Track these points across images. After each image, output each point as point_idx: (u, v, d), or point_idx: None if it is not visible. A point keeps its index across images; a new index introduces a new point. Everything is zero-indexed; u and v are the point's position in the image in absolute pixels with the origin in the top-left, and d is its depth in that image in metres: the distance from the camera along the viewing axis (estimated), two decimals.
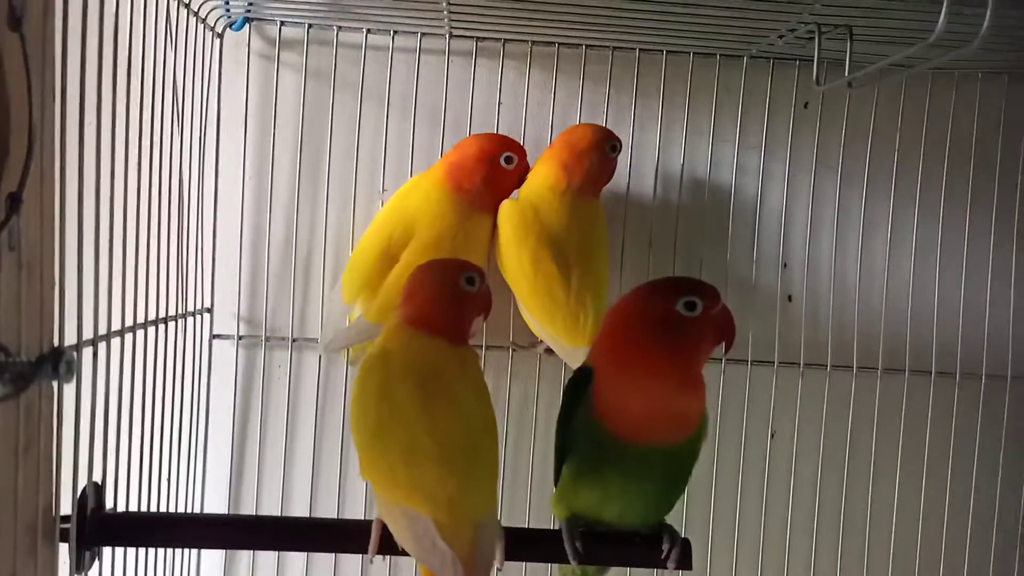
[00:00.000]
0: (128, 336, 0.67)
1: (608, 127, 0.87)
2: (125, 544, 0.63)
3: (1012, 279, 0.93)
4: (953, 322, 0.92)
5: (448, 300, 0.64)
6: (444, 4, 0.78)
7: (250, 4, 0.83)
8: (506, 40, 0.89)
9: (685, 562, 0.63)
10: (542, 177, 0.84)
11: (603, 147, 0.83)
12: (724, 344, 0.62)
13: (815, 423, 0.92)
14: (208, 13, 0.83)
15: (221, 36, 0.87)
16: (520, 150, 0.85)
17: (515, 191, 0.86)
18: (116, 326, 0.63)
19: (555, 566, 0.83)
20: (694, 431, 0.62)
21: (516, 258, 0.82)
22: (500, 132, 0.89)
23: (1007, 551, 0.93)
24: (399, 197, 0.84)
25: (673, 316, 0.59)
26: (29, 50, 0.48)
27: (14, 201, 0.46)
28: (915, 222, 0.92)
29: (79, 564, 0.56)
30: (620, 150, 0.85)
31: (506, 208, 0.83)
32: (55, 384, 0.51)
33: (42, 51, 0.50)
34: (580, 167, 0.83)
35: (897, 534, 0.92)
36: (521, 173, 0.85)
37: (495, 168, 0.83)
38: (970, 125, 0.92)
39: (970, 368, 0.92)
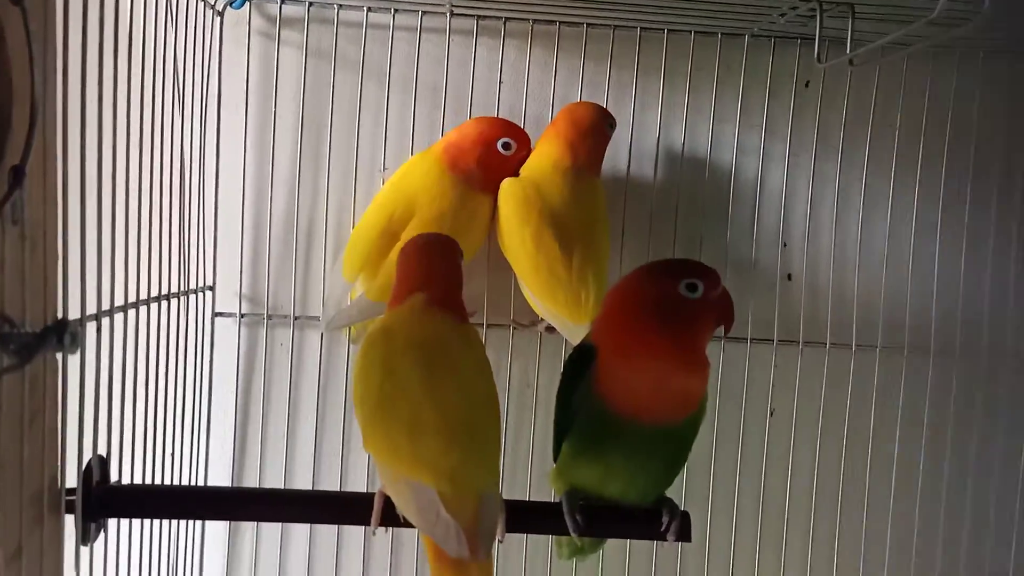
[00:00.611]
0: (131, 312, 0.68)
1: (608, 106, 0.87)
2: (130, 516, 0.63)
3: (1013, 257, 0.93)
4: (953, 300, 0.92)
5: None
6: None
7: None
8: (507, 18, 0.89)
9: (684, 535, 0.64)
10: (544, 155, 0.84)
11: (603, 125, 0.84)
12: (723, 326, 0.63)
13: (814, 401, 0.92)
14: None
15: (221, 14, 0.87)
16: (521, 137, 0.85)
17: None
18: (119, 302, 0.64)
19: (553, 540, 0.84)
20: (695, 411, 0.63)
21: (518, 236, 0.82)
22: (501, 111, 0.89)
23: (1005, 528, 0.93)
24: (399, 176, 0.85)
25: (674, 297, 0.60)
26: (31, 24, 0.48)
27: (17, 174, 0.46)
28: (915, 200, 0.92)
29: (84, 535, 0.56)
30: (615, 127, 0.86)
31: (507, 186, 0.83)
32: (59, 357, 0.51)
33: (44, 25, 0.50)
34: (584, 145, 0.83)
35: (895, 510, 0.93)
36: (521, 159, 0.85)
37: (491, 152, 0.83)
38: (971, 104, 0.92)
39: (969, 346, 0.92)
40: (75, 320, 0.52)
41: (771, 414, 0.93)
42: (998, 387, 0.92)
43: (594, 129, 0.83)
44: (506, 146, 0.84)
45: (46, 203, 0.51)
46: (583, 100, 0.89)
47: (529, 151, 0.86)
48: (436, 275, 0.65)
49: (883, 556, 0.93)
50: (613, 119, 0.85)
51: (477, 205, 0.84)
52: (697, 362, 0.61)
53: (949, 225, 0.92)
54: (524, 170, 0.85)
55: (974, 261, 0.92)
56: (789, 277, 0.93)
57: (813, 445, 0.92)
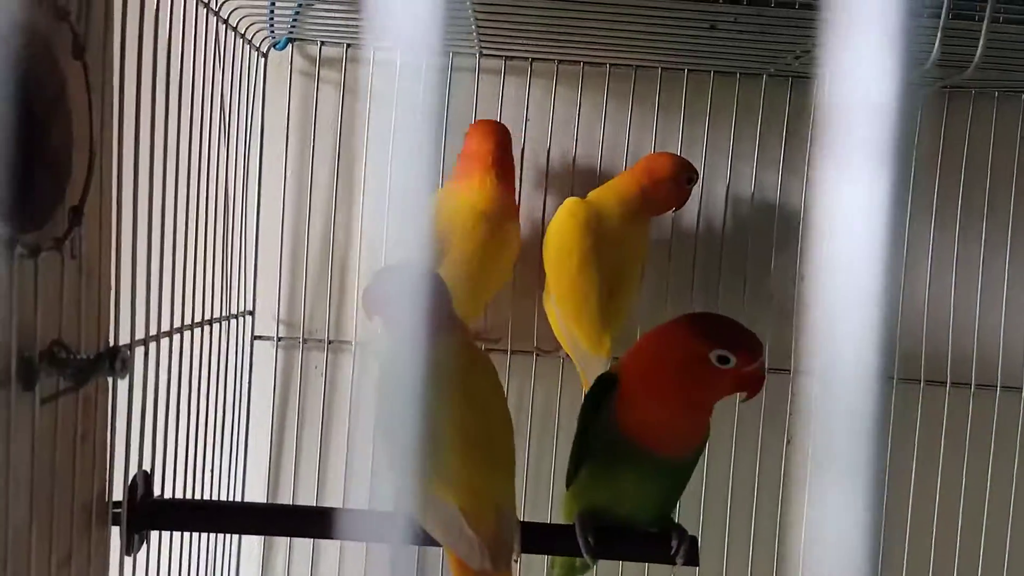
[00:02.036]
0: (176, 336, 0.72)
1: (630, 143, 0.91)
2: (171, 528, 0.67)
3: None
4: (969, 333, 0.94)
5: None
6: (473, 25, 0.82)
7: (293, 26, 0.88)
8: (533, 59, 0.93)
9: (692, 558, 0.66)
10: (615, 189, 0.87)
11: (681, 178, 0.87)
12: (746, 393, 0.65)
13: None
14: (254, 35, 0.88)
15: (266, 55, 0.93)
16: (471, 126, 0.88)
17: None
18: (166, 327, 0.69)
19: (548, 560, 0.86)
20: (699, 445, 0.67)
21: (566, 253, 0.85)
22: (527, 147, 0.93)
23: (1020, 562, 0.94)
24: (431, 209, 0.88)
25: (703, 364, 0.62)
26: (91, 76, 0.53)
27: (76, 214, 0.51)
28: (931, 234, 0.94)
29: (128, 546, 0.61)
30: (696, 181, 0.88)
31: (572, 204, 0.86)
32: (111, 380, 0.56)
33: (102, 76, 0.55)
34: (653, 192, 0.87)
35: (911, 540, 0.94)
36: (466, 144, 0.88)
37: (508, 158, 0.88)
38: (987, 140, 0.94)
39: (985, 379, 0.94)
40: (125, 346, 0.57)
41: (788, 443, 0.95)
42: (1014, 420, 0.93)
43: (669, 179, 0.87)
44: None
45: (101, 238, 0.56)
46: (629, 141, 0.94)
47: (475, 135, 0.87)
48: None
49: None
50: (694, 173, 0.88)
51: (508, 232, 0.87)
52: (701, 415, 0.65)
53: (964, 258, 0.94)
54: (594, 197, 0.88)
55: (990, 294, 0.94)
56: None
57: None
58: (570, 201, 0.87)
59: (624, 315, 0.85)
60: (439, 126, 0.85)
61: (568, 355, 0.93)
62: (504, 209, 0.87)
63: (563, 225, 0.86)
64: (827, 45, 0.28)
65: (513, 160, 0.88)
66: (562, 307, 0.86)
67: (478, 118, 0.93)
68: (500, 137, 0.87)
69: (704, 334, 0.63)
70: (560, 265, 0.85)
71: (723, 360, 0.62)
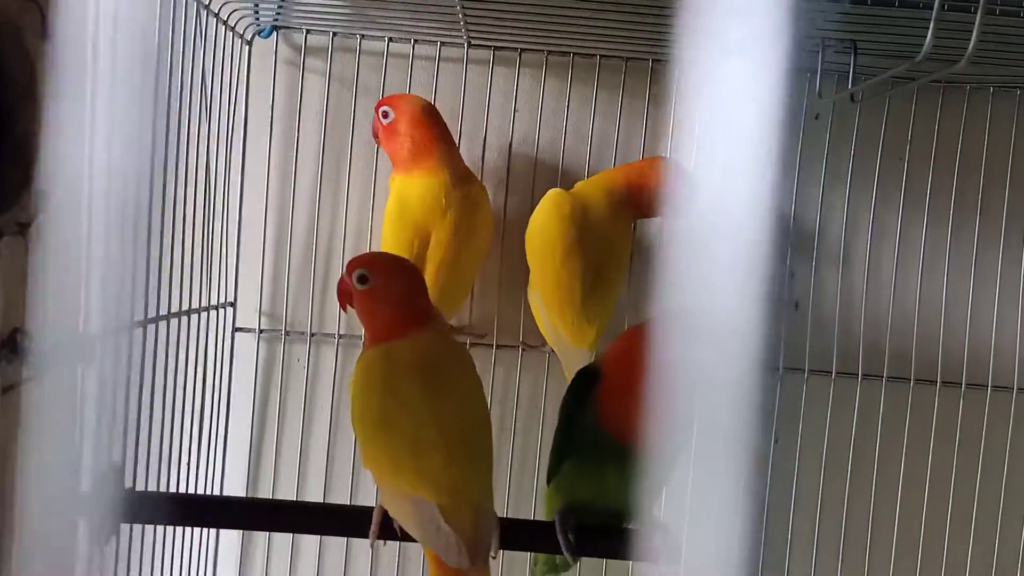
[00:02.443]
0: (152, 326, 0.71)
1: (619, 134, 0.90)
2: (143, 521, 0.66)
3: (1021, 289, 0.93)
4: (960, 332, 0.93)
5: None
6: (460, 15, 0.81)
7: (278, 13, 0.87)
8: (522, 50, 0.92)
9: (675, 556, 0.65)
10: (603, 184, 0.86)
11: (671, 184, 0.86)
12: None
13: (819, 430, 0.93)
14: (237, 22, 0.87)
15: (250, 43, 0.91)
16: (398, 105, 0.85)
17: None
18: (142, 316, 0.67)
19: (529, 557, 0.85)
20: None
21: (550, 245, 0.84)
22: (515, 137, 0.92)
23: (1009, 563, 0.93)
24: (398, 205, 0.85)
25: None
26: (63, 57, 0.51)
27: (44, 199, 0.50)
28: (923, 231, 0.93)
29: (96, 539, 0.59)
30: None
31: (556, 195, 0.85)
32: (79, 369, 0.55)
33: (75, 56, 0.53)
34: (642, 193, 0.85)
35: (899, 541, 0.93)
36: (403, 131, 0.85)
37: (379, 126, 0.86)
38: (981, 137, 0.92)
39: (975, 378, 0.93)
40: (93, 335, 0.56)
41: (775, 442, 0.94)
42: (1004, 420, 0.92)
43: (660, 187, 0.85)
44: (384, 115, 0.85)
45: (72, 223, 0.54)
46: (623, 139, 0.93)
47: (412, 120, 0.84)
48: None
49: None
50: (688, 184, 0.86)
51: (477, 198, 0.86)
52: None
53: (957, 256, 0.93)
54: (580, 189, 0.86)
55: (982, 292, 0.93)
56: (796, 306, 0.94)
57: (817, 474, 0.93)
58: (554, 192, 0.85)
59: (609, 309, 0.84)
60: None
61: (553, 349, 0.92)
62: (464, 178, 0.85)
63: (547, 216, 0.84)
64: None
65: (448, 129, 0.86)
66: (545, 299, 0.84)
67: (466, 109, 0.92)
68: (433, 114, 0.85)
69: None
70: (543, 257, 0.84)
71: None
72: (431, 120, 0.85)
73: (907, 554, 0.93)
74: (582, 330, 0.82)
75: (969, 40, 0.64)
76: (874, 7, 0.71)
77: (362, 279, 0.65)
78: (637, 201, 0.85)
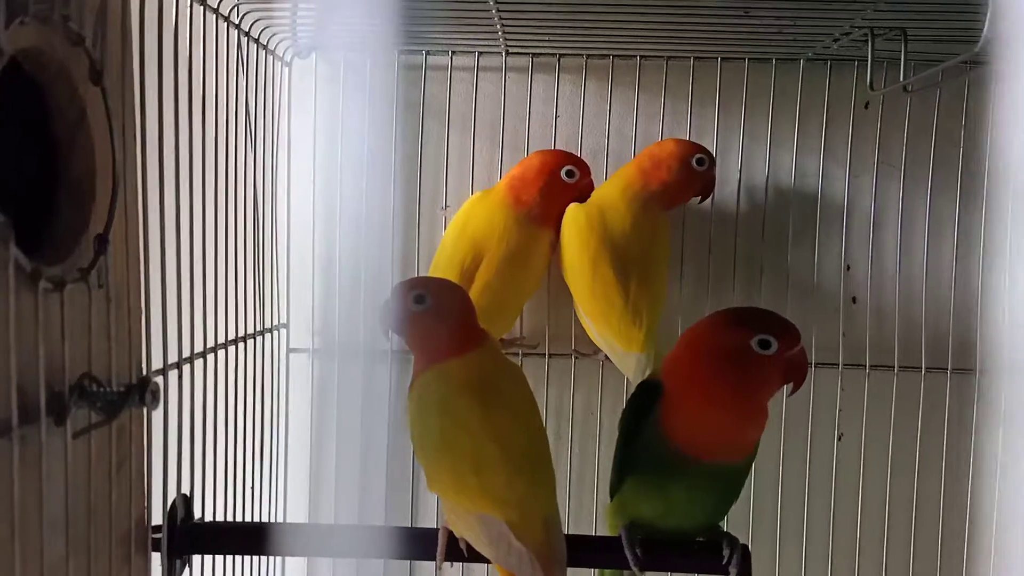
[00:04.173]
0: (211, 356, 0.72)
1: (663, 135, 0.89)
2: (213, 552, 0.67)
3: None
4: (1021, 320, 0.90)
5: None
6: (498, 24, 0.80)
7: (315, 34, 0.87)
8: (561, 55, 0.91)
9: (745, 567, 0.64)
10: (616, 182, 0.86)
11: (686, 159, 0.84)
12: (792, 385, 0.63)
13: (883, 425, 0.91)
14: (276, 45, 0.87)
15: (290, 65, 0.91)
16: (583, 166, 0.86)
17: None
18: (200, 347, 0.68)
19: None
20: (751, 450, 0.65)
21: (577, 259, 0.84)
22: (557, 144, 0.91)
23: None
24: (463, 219, 0.87)
25: (745, 351, 0.60)
26: (110, 100, 0.52)
27: (101, 242, 0.50)
28: (983, 220, 0.90)
29: (171, 572, 0.60)
30: (709, 164, 0.85)
31: (572, 210, 0.85)
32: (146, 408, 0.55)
33: (121, 100, 0.54)
34: (656, 175, 0.84)
35: (970, 537, 0.91)
36: (583, 189, 0.86)
37: (555, 181, 0.85)
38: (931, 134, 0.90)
39: (936, 362, 0.91)
40: (156, 371, 0.56)
41: (839, 439, 0.92)
42: None
43: (671, 160, 0.84)
44: (570, 174, 0.85)
45: (128, 264, 0.55)
46: (641, 131, 0.91)
47: (590, 180, 0.87)
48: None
49: None
50: (704, 154, 0.85)
51: (540, 240, 0.86)
52: (757, 412, 0.62)
53: (1017, 245, 0.90)
54: (595, 196, 0.86)
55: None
56: (854, 300, 0.92)
57: (884, 471, 0.91)
58: (570, 207, 0.85)
59: (655, 307, 0.83)
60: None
61: (608, 359, 0.91)
62: (540, 216, 0.85)
63: (567, 233, 0.85)
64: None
65: (565, 184, 0.86)
66: (588, 312, 0.84)
67: (507, 118, 0.91)
68: (549, 163, 0.86)
69: (742, 323, 0.62)
70: (574, 272, 0.84)
71: (765, 345, 0.60)
72: (542, 167, 0.85)
73: (981, 551, 0.90)
74: (630, 334, 0.82)
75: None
76: None
77: (419, 299, 0.65)
78: (657, 190, 0.84)
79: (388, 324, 0.66)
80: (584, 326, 0.87)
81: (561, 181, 0.85)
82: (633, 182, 0.85)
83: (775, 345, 0.60)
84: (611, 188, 0.86)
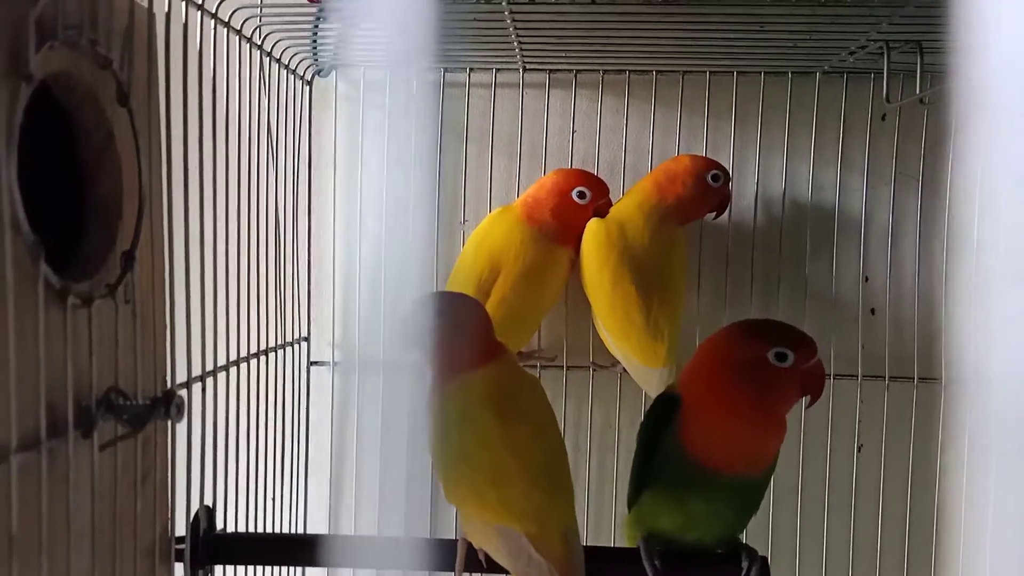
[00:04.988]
0: (233, 369, 0.73)
1: (680, 149, 0.89)
2: (235, 562, 0.68)
3: None
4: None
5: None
6: (515, 41, 0.81)
7: (336, 52, 0.89)
8: (577, 71, 0.92)
9: None
10: (633, 198, 0.86)
11: (701, 175, 0.85)
12: (810, 397, 0.63)
13: (903, 436, 0.91)
14: (297, 64, 0.89)
15: (310, 83, 0.93)
16: (596, 185, 0.86)
17: None
18: (223, 361, 0.69)
19: None
20: (771, 462, 0.65)
21: (597, 274, 0.84)
22: (574, 160, 0.92)
23: None
24: (481, 235, 0.88)
25: (762, 363, 0.61)
26: (136, 122, 0.53)
27: (128, 259, 0.52)
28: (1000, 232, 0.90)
29: None
30: (724, 180, 0.86)
31: (592, 225, 0.86)
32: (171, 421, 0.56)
33: (147, 120, 0.55)
34: (672, 190, 0.85)
35: (993, 549, 0.90)
36: (598, 210, 0.87)
37: (567, 202, 0.85)
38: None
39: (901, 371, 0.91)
40: (180, 385, 0.57)
41: (859, 450, 0.92)
42: None
43: (687, 176, 0.85)
44: (581, 195, 0.86)
45: (154, 280, 0.56)
46: (659, 145, 0.92)
47: (607, 199, 0.88)
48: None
49: None
50: (720, 170, 0.85)
51: (558, 258, 0.87)
52: (775, 424, 0.63)
53: None
54: (613, 211, 0.87)
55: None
56: (872, 312, 0.92)
57: (904, 482, 0.91)
58: (591, 223, 0.86)
59: (674, 322, 0.83)
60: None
61: (626, 370, 0.91)
62: (556, 234, 0.86)
63: (586, 248, 0.85)
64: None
65: (577, 206, 0.86)
66: (608, 328, 0.85)
67: (524, 134, 0.92)
68: (560, 184, 0.86)
69: (758, 335, 0.62)
70: (594, 287, 0.85)
71: (781, 357, 0.61)
72: (553, 188, 0.86)
73: (1001, 555, 0.90)
74: (652, 349, 0.82)
75: None
76: (939, 7, 0.69)
77: (439, 313, 0.66)
78: (673, 206, 0.85)
79: (410, 338, 0.67)
80: (603, 339, 0.88)
81: (573, 202, 0.86)
82: (650, 197, 0.85)
83: (791, 358, 0.61)
84: (629, 203, 0.86)
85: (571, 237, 0.87)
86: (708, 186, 0.85)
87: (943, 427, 0.90)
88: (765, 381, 0.61)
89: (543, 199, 0.86)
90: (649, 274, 0.84)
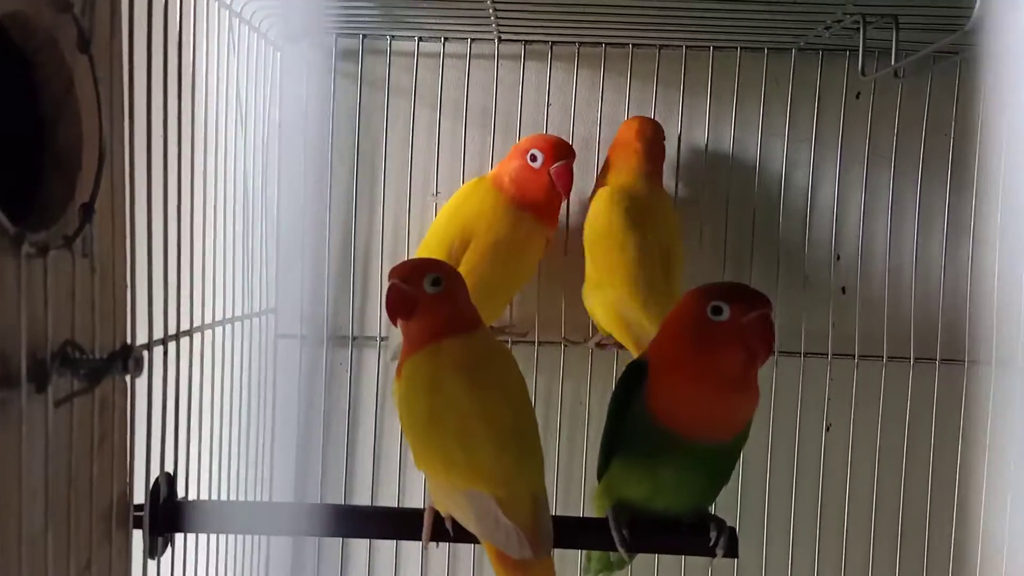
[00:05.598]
0: (197, 335, 0.71)
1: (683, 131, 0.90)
2: (196, 531, 0.66)
3: None
4: (1014, 311, 0.90)
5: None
6: (491, 10, 0.80)
7: (307, 18, 0.87)
8: (553, 42, 0.91)
9: (732, 550, 0.64)
10: (626, 171, 0.85)
11: (660, 137, 0.86)
12: (759, 355, 0.60)
13: (872, 415, 0.91)
14: (268, 28, 0.87)
15: (281, 49, 0.91)
16: (551, 149, 0.84)
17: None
18: (186, 326, 0.67)
19: (582, 556, 0.84)
20: (741, 430, 0.64)
21: (619, 245, 0.82)
22: (549, 132, 0.91)
23: None
24: (454, 206, 0.86)
25: (701, 319, 0.60)
26: (98, 70, 0.52)
27: (87, 211, 0.50)
28: (972, 210, 0.90)
29: (152, 550, 0.59)
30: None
31: (607, 194, 0.84)
32: (127, 380, 0.55)
33: (109, 70, 0.53)
34: (653, 157, 0.85)
35: (957, 528, 0.91)
36: (561, 175, 0.84)
37: (524, 167, 0.84)
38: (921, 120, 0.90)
39: (898, 351, 0.91)
40: (140, 346, 0.56)
41: (827, 429, 0.92)
42: None
43: (660, 139, 0.86)
44: (532, 158, 0.84)
45: (114, 236, 0.54)
46: (634, 117, 0.90)
47: (565, 163, 0.84)
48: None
49: (947, 573, 0.91)
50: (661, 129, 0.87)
51: (532, 232, 0.86)
52: (737, 387, 0.61)
53: (1008, 234, 0.90)
54: (615, 184, 0.85)
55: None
56: (843, 290, 0.92)
57: (872, 460, 0.91)
58: (605, 191, 0.84)
59: (679, 292, 0.83)
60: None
61: (598, 346, 0.91)
62: (524, 206, 0.84)
63: (607, 217, 0.83)
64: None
65: (531, 169, 0.84)
66: (626, 299, 0.82)
67: (499, 105, 0.91)
68: (518, 148, 0.85)
69: (701, 292, 0.62)
70: (615, 257, 0.83)
71: (716, 311, 0.60)
72: (513, 153, 0.85)
73: (968, 540, 0.90)
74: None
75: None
76: None
77: (436, 282, 0.64)
78: (652, 170, 0.85)
79: (396, 308, 0.65)
80: (595, 312, 0.86)
81: (528, 167, 0.84)
82: (639, 167, 0.84)
83: (727, 311, 0.59)
84: (624, 175, 0.85)
85: (539, 207, 0.85)
86: (663, 146, 0.86)
87: (911, 404, 0.90)
88: (703, 337, 0.60)
89: (506, 165, 0.85)
90: (662, 242, 0.83)
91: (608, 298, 0.84)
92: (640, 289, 0.82)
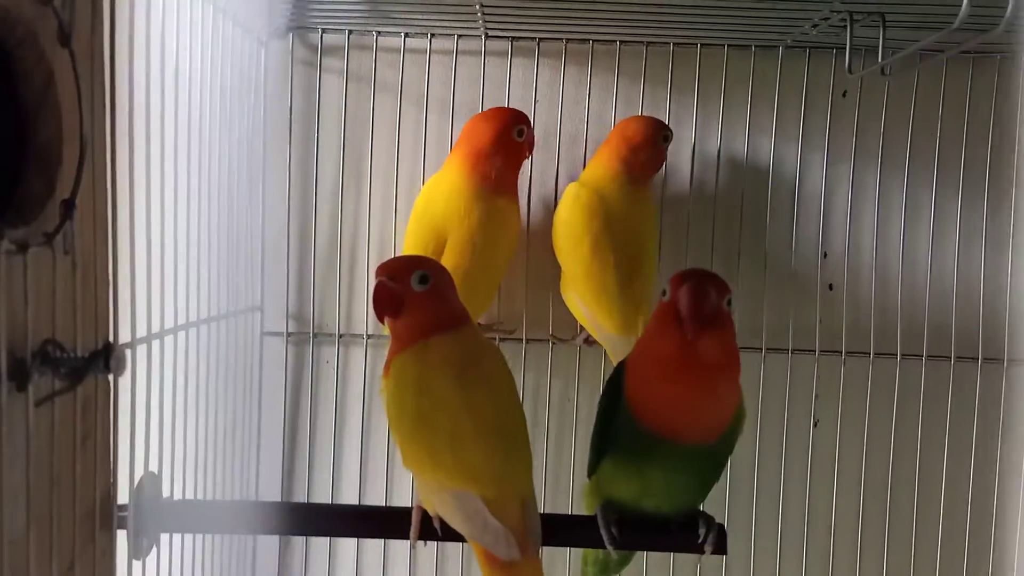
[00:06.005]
0: (182, 333, 0.70)
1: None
2: (182, 531, 0.66)
3: None
4: (999, 308, 0.91)
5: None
6: (478, 6, 0.80)
7: (292, 14, 0.86)
8: (541, 39, 0.90)
9: (721, 547, 0.64)
10: (601, 167, 0.85)
11: (656, 139, 0.85)
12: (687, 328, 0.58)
13: (859, 411, 0.91)
14: (252, 24, 0.86)
15: (266, 44, 0.90)
16: (525, 119, 0.84)
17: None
18: (171, 324, 0.67)
19: (581, 558, 0.83)
20: (725, 430, 0.62)
21: (576, 242, 0.83)
22: (536, 129, 0.90)
23: None
24: (422, 202, 0.85)
25: (659, 307, 0.61)
26: (78, 64, 0.51)
27: (68, 208, 0.49)
28: (959, 207, 0.91)
29: (137, 550, 0.59)
30: (671, 139, 0.86)
31: (574, 189, 0.84)
32: (110, 379, 0.54)
33: (91, 64, 0.53)
34: (636, 159, 0.84)
35: (945, 523, 0.91)
36: (529, 143, 0.85)
37: (511, 144, 0.83)
38: (1012, 108, 0.90)
39: (1016, 354, 0.90)
40: (123, 344, 0.55)
41: (815, 425, 0.92)
42: None
43: (646, 143, 0.84)
44: (519, 133, 0.84)
45: (96, 233, 0.54)
46: (633, 116, 0.89)
47: (532, 132, 0.85)
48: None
49: (934, 568, 0.91)
50: (669, 131, 0.85)
51: (507, 213, 0.85)
52: (711, 385, 0.60)
53: (993, 232, 0.91)
54: (584, 180, 0.85)
55: (1020, 268, 0.91)
56: (830, 287, 0.93)
57: (859, 456, 0.91)
58: (572, 187, 0.85)
59: (648, 292, 0.83)
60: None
61: (586, 343, 0.91)
62: (496, 191, 0.83)
63: (569, 213, 0.84)
64: None
65: (517, 144, 0.84)
66: (583, 296, 0.83)
67: (486, 102, 0.91)
68: (502, 126, 0.83)
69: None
70: (573, 253, 0.83)
71: (663, 293, 0.61)
72: (497, 133, 0.83)
73: (955, 535, 0.91)
74: (626, 320, 0.81)
75: (1004, 7, 0.62)
76: None
77: (423, 279, 0.64)
78: (638, 171, 0.84)
79: (383, 305, 0.64)
80: (572, 309, 0.86)
81: (514, 142, 0.84)
82: (615, 164, 0.84)
83: (668, 292, 0.60)
84: (598, 172, 0.85)
85: (514, 184, 0.85)
86: (661, 147, 0.85)
87: (897, 401, 0.91)
88: (656, 322, 0.61)
89: (488, 146, 0.83)
90: (628, 243, 0.83)
91: (571, 295, 0.85)
92: (593, 287, 0.82)
